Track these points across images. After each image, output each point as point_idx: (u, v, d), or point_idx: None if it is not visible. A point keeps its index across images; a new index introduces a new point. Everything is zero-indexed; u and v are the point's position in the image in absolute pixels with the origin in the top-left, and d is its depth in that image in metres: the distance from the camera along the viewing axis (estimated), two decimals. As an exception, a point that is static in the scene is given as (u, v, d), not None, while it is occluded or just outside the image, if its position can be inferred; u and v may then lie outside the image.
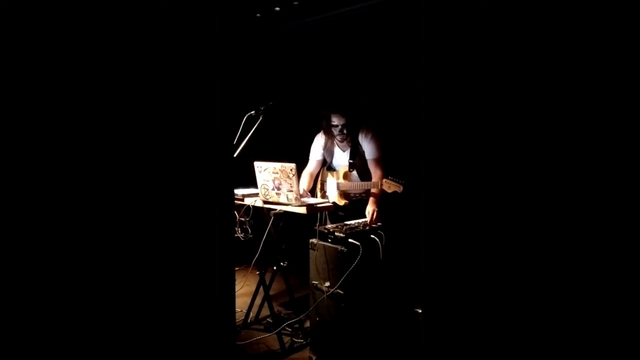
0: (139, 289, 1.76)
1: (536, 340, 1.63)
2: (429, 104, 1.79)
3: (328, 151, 3.39)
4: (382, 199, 3.12)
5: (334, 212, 3.30)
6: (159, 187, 1.79)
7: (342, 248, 2.71)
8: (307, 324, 3.19)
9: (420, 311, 3.11)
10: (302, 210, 2.87)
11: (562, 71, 1.55)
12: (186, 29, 1.81)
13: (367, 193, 3.28)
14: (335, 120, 3.20)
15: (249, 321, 3.45)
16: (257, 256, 3.18)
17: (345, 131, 3.20)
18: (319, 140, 3.43)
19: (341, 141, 3.29)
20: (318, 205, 2.98)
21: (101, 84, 1.67)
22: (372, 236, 2.80)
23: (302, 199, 2.97)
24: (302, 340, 3.18)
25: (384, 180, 3.05)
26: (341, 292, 2.71)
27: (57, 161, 1.61)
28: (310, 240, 2.90)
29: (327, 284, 2.79)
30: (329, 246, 2.79)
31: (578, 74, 1.53)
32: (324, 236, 2.85)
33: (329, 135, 3.31)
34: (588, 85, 1.52)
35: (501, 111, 1.66)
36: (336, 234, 2.78)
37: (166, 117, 1.78)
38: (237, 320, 3.34)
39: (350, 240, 2.70)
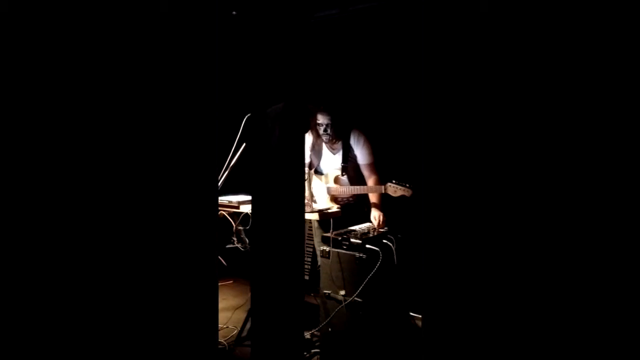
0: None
1: (537, 346, 1.63)
2: (428, 107, 1.77)
3: (315, 152, 3.24)
4: (385, 203, 3.09)
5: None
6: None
7: (361, 255, 2.64)
8: (307, 335, 3.07)
9: (413, 314, 3.14)
10: (314, 216, 2.76)
11: (561, 73, 1.58)
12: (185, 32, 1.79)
13: (354, 197, 3.22)
14: (320, 119, 3.09)
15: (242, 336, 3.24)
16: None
17: (329, 131, 3.07)
18: (306, 141, 3.21)
19: (327, 142, 3.16)
20: (329, 211, 2.88)
21: (105, 86, 1.65)
22: (384, 241, 2.76)
23: (314, 206, 2.86)
24: (305, 353, 3.04)
25: (389, 184, 2.98)
26: (359, 300, 2.64)
27: (56, 161, 1.58)
28: (322, 248, 2.80)
29: (343, 292, 2.70)
30: (344, 253, 2.71)
31: (577, 76, 1.56)
32: (337, 243, 2.76)
33: (316, 134, 3.16)
34: (587, 86, 1.55)
35: (501, 114, 1.66)
36: (352, 240, 2.70)
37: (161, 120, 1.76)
38: (228, 338, 3.13)
39: (367, 246, 2.64)
